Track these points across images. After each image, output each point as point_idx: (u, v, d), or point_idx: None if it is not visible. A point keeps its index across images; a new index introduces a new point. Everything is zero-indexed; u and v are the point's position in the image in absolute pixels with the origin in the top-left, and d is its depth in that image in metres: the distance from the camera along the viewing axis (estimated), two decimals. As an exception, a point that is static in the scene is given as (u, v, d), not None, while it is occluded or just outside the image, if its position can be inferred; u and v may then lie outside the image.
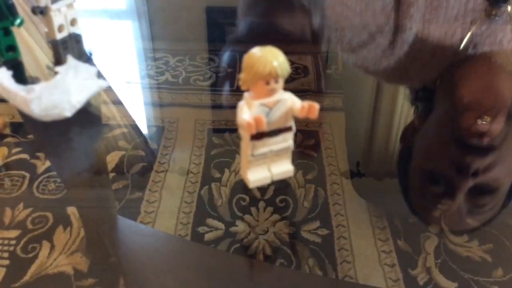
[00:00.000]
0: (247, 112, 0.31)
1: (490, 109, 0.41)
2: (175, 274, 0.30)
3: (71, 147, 0.40)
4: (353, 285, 0.30)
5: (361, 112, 0.47)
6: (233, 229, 0.33)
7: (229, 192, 0.36)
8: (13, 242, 0.31)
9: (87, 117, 0.42)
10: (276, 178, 0.35)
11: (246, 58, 0.30)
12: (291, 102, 0.32)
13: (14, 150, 0.39)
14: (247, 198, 0.35)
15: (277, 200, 0.35)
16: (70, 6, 0.52)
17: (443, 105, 0.45)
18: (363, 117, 0.47)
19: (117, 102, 0.45)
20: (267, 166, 0.34)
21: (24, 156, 0.38)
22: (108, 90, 0.47)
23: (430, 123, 0.44)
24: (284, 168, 0.35)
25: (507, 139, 0.40)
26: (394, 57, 0.51)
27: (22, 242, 0.31)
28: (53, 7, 0.50)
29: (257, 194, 0.36)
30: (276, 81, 0.30)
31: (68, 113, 0.40)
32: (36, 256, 0.31)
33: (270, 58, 0.29)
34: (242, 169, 0.35)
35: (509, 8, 0.50)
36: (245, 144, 0.33)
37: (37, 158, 0.38)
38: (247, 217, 0.34)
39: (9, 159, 0.38)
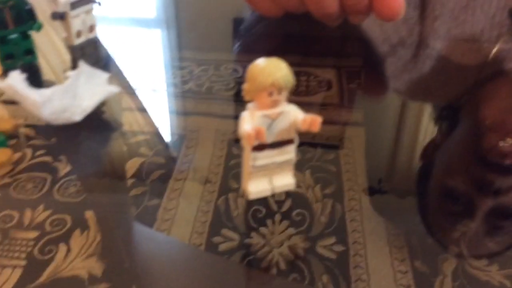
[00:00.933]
0: (249, 122, 0.31)
1: None
2: (187, 283, 0.30)
3: (89, 150, 0.41)
4: (366, 304, 0.29)
5: (384, 128, 0.47)
6: (247, 240, 0.33)
7: (246, 203, 0.36)
8: (32, 243, 0.32)
9: (102, 122, 0.43)
10: (277, 190, 0.35)
11: (250, 69, 0.30)
12: (294, 114, 0.32)
13: (38, 153, 0.40)
14: (264, 210, 0.35)
15: (294, 213, 0.35)
16: (88, 12, 0.53)
17: (466, 123, 0.44)
18: (386, 133, 0.46)
19: (141, 109, 0.46)
20: (268, 178, 0.34)
21: (47, 158, 0.39)
22: (133, 96, 0.47)
23: (452, 141, 0.43)
24: (285, 181, 0.35)
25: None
26: (416, 71, 0.50)
27: (39, 244, 0.32)
28: (72, 13, 0.51)
29: (274, 207, 0.35)
30: (279, 93, 0.30)
31: (78, 117, 0.41)
32: (52, 259, 0.31)
33: (273, 70, 0.30)
34: (243, 180, 0.35)
35: None
36: (246, 155, 0.33)
37: (60, 161, 0.39)
38: (262, 229, 0.34)
39: (32, 161, 0.39)
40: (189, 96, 0.48)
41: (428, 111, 0.50)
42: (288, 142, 0.33)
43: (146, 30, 0.65)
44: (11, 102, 0.44)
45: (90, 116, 0.42)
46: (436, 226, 0.36)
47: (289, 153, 0.34)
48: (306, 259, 0.32)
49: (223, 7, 0.70)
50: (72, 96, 0.41)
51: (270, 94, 0.30)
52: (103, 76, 0.45)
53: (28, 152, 0.40)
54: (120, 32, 0.62)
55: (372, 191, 0.37)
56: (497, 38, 0.49)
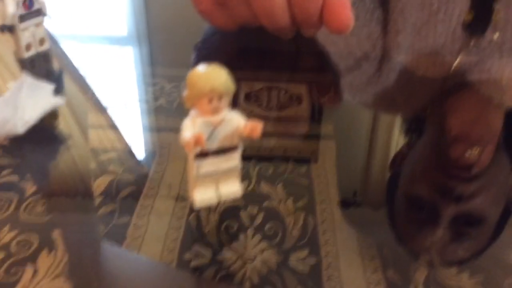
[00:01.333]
0: (190, 130, 0.30)
1: (479, 141, 0.41)
2: (159, 301, 0.30)
3: (57, 168, 0.40)
4: (340, 316, 0.29)
5: (356, 141, 0.47)
6: (220, 256, 0.32)
7: (218, 219, 0.35)
8: (-4, 265, 0.31)
9: (68, 140, 0.42)
10: (224, 198, 0.34)
11: (190, 75, 0.30)
12: (236, 121, 0.32)
13: (4, 172, 0.39)
14: (236, 225, 0.35)
15: (266, 227, 0.35)
16: (39, 25, 0.52)
17: (430, 134, 0.45)
18: (358, 146, 0.47)
19: (112, 126, 0.46)
20: (215, 186, 0.34)
21: (14, 178, 0.38)
22: (104, 113, 0.47)
23: (416, 150, 0.44)
24: (232, 188, 0.34)
25: (491, 169, 0.40)
26: (381, 84, 0.51)
27: (5, 265, 0.31)
28: (21, 26, 0.50)
29: (246, 221, 0.35)
30: (220, 99, 0.30)
31: (21, 129, 0.39)
32: (18, 280, 0.30)
33: (212, 76, 0.29)
34: (189, 188, 0.34)
35: (496, 35, 0.50)
36: (190, 163, 0.32)
37: (27, 180, 0.38)
38: (234, 244, 0.33)
39: (-2, 181, 0.38)
40: (160, 112, 0.48)
41: (398, 123, 0.50)
42: (232, 149, 0.33)
43: (118, 48, 0.65)
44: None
45: (58, 134, 0.42)
46: (405, 235, 0.36)
47: (234, 160, 0.33)
48: (279, 272, 0.31)
49: (194, 23, 0.70)
50: (13, 108, 0.39)
51: (210, 100, 0.30)
52: (47, 87, 0.44)
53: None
54: (92, 49, 0.62)
55: (344, 203, 0.38)
56: (458, 51, 0.51)
